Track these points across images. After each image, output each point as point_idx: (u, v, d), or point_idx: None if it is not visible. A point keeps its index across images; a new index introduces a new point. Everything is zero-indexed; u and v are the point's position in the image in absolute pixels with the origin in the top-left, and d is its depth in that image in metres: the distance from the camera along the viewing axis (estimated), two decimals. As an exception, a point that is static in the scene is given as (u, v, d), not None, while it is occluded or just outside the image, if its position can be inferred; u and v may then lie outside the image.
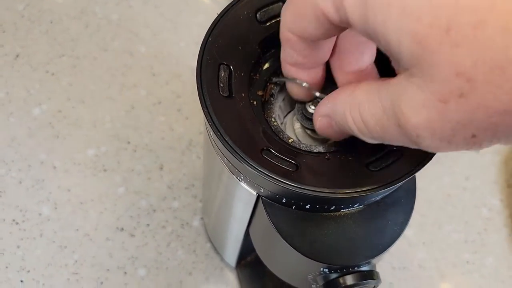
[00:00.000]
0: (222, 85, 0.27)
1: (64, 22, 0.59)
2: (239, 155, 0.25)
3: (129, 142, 0.52)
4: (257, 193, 0.28)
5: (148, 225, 0.49)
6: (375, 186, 0.24)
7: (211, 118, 0.26)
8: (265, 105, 0.29)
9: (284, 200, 0.27)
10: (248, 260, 0.49)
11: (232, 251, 0.44)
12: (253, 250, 0.37)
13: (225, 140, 0.25)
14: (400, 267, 0.49)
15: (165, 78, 0.56)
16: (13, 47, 0.57)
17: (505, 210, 0.53)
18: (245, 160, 0.25)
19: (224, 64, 0.27)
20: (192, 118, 0.54)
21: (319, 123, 0.26)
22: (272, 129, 0.29)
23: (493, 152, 0.56)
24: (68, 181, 0.50)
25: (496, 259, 0.50)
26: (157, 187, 0.51)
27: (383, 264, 0.49)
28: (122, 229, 0.48)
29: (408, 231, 0.51)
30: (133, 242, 0.48)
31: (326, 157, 0.27)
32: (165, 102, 0.55)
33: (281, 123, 0.32)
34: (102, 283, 0.46)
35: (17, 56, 0.56)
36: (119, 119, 0.54)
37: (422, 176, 0.54)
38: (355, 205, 0.27)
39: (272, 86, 0.30)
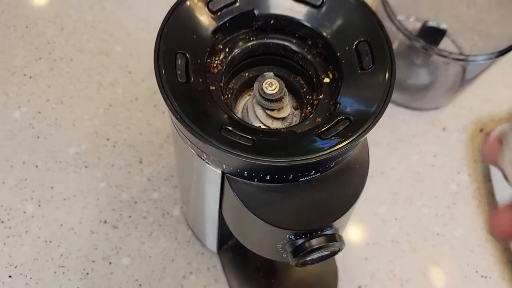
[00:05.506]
0: (179, 72, 0.29)
1: (39, 26, 0.61)
2: (198, 134, 0.27)
3: (108, 139, 0.54)
4: (221, 170, 0.30)
5: (130, 216, 0.51)
6: (325, 152, 0.26)
7: (170, 102, 0.28)
8: (223, 89, 0.31)
9: (245, 174, 0.29)
10: (230, 245, 0.50)
11: (211, 236, 0.46)
12: (231, 233, 0.39)
13: (184, 121, 0.27)
14: (374, 242, 0.52)
15: (141, 76, 0.58)
16: (-9, 53, 0.58)
17: (473, 183, 0.55)
18: (205, 138, 0.27)
19: (180, 52, 0.29)
20: (168, 112, 0.56)
21: None
22: (231, 110, 0.31)
23: (460, 130, 0.58)
24: (51, 179, 0.52)
25: (465, 230, 0.53)
26: (137, 180, 0.52)
27: (358, 240, 0.52)
28: (105, 221, 0.50)
29: (380, 209, 0.53)
30: (117, 233, 0.50)
31: (282, 131, 0.29)
32: (142, 99, 0.57)
33: (243, 106, 0.34)
34: (88, 274, 0.48)
35: (-5, 61, 0.58)
36: (97, 117, 0.55)
37: (392, 156, 0.56)
38: (311, 173, 0.29)
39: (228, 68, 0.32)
